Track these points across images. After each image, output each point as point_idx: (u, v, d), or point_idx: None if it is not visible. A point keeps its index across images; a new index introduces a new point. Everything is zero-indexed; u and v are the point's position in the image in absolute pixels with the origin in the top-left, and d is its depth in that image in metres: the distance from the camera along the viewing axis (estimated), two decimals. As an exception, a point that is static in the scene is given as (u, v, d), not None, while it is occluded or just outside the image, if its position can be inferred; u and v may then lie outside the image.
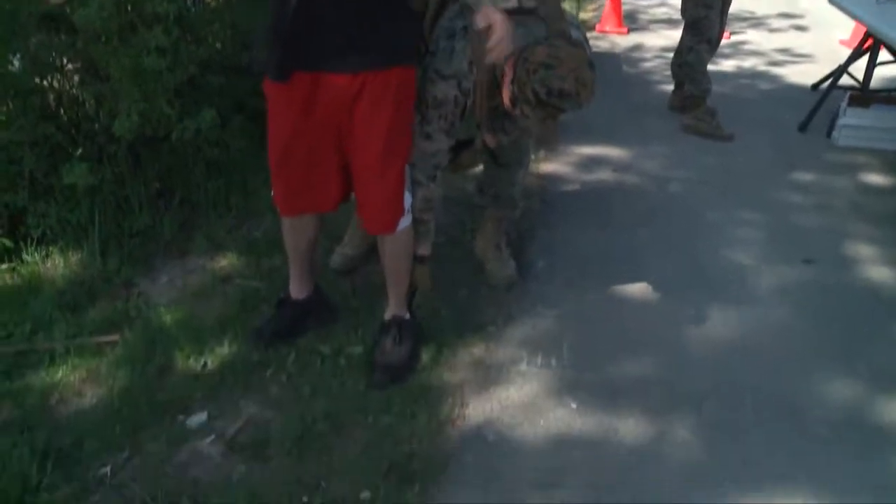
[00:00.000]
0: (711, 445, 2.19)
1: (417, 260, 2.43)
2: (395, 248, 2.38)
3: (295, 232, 2.44)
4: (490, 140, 2.32)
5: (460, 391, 2.40)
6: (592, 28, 6.07)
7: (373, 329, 2.64)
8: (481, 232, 2.95)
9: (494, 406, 2.36)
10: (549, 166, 3.84)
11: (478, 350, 2.63)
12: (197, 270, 2.96)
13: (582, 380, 2.43)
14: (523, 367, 2.54)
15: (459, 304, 2.82)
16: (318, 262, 2.64)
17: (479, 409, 2.35)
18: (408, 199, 2.29)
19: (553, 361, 2.54)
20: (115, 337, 2.57)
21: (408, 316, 2.53)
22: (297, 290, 2.59)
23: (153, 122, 2.78)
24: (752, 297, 2.84)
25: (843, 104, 4.06)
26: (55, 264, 2.87)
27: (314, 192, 2.23)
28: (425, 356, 2.59)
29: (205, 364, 2.52)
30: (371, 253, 2.86)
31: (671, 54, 4.36)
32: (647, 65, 5.11)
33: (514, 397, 2.40)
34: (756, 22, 6.51)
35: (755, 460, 2.16)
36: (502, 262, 2.92)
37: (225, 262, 3.00)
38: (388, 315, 2.52)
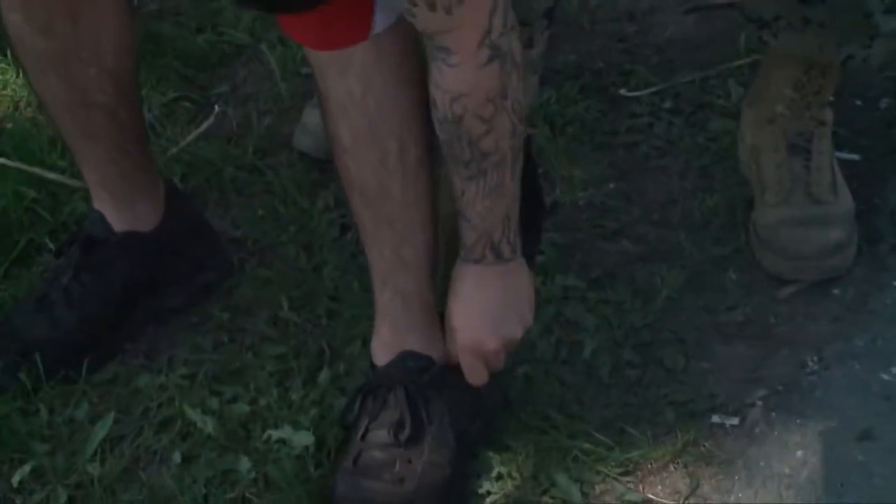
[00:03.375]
0: None
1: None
2: (364, 116, 1.64)
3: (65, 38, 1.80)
4: None
5: None
6: None
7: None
8: (756, 98, 2.05)
9: None
10: None
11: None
12: None
13: None
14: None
15: (640, 329, 1.93)
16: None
17: None
18: None
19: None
20: None
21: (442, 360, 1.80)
22: (117, 209, 1.92)
23: None
24: None
25: None
26: None
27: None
28: (493, 487, 1.74)
29: None
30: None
31: None
32: None
33: None
34: None
35: None
36: (812, 202, 1.98)
37: None
38: (380, 353, 1.76)
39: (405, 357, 1.69)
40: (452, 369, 1.73)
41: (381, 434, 1.68)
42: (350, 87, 1.58)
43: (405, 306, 1.70)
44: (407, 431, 1.67)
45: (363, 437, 1.68)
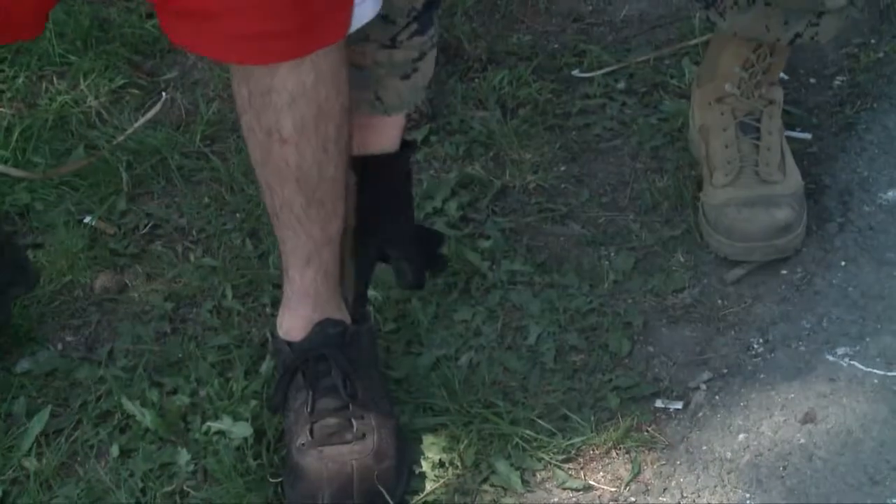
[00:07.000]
0: None
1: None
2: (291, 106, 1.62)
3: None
4: None
5: None
6: None
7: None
8: (705, 78, 2.01)
9: None
10: None
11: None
12: None
13: None
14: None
15: (586, 313, 1.87)
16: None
17: None
18: None
19: None
20: None
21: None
22: None
23: None
24: None
25: None
26: None
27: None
28: (433, 475, 1.68)
29: None
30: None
31: None
32: None
33: None
34: None
35: None
36: (759, 182, 1.91)
37: None
38: (298, 329, 1.74)
39: (325, 325, 1.68)
40: (359, 328, 1.73)
41: (328, 401, 1.65)
42: (303, 78, 1.56)
43: (326, 280, 1.68)
44: (351, 389, 1.66)
45: (312, 410, 1.65)
